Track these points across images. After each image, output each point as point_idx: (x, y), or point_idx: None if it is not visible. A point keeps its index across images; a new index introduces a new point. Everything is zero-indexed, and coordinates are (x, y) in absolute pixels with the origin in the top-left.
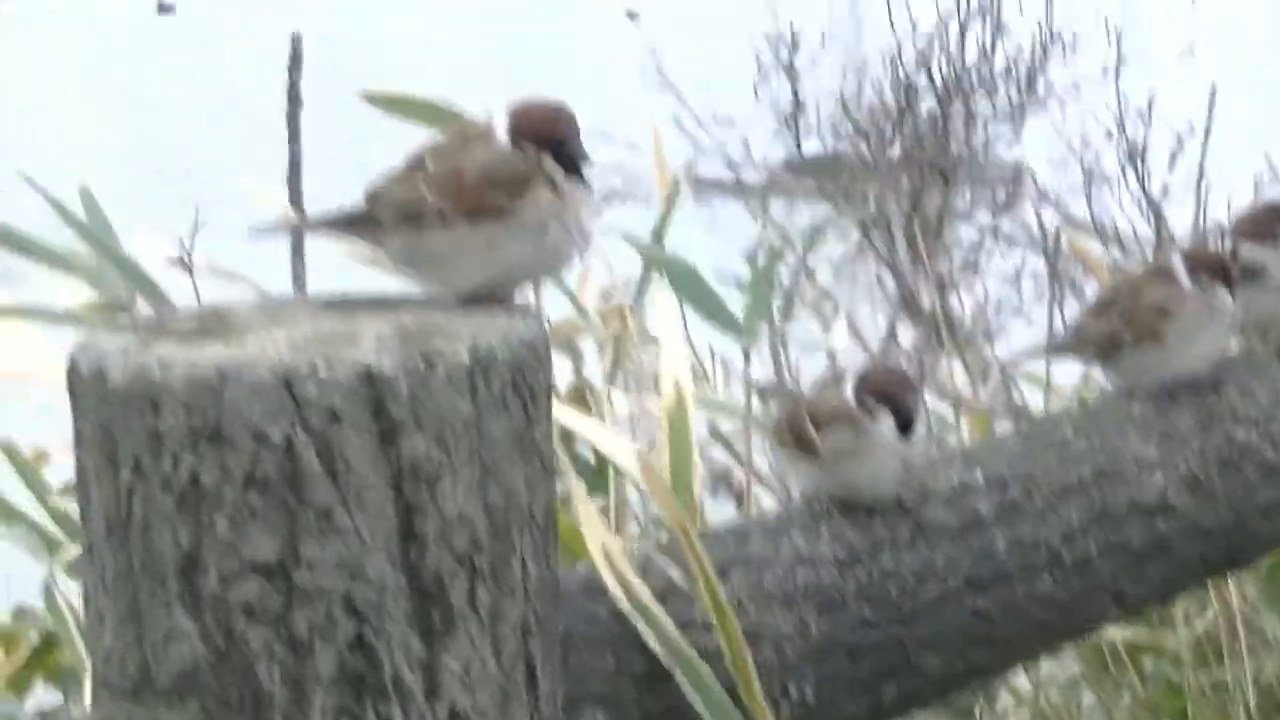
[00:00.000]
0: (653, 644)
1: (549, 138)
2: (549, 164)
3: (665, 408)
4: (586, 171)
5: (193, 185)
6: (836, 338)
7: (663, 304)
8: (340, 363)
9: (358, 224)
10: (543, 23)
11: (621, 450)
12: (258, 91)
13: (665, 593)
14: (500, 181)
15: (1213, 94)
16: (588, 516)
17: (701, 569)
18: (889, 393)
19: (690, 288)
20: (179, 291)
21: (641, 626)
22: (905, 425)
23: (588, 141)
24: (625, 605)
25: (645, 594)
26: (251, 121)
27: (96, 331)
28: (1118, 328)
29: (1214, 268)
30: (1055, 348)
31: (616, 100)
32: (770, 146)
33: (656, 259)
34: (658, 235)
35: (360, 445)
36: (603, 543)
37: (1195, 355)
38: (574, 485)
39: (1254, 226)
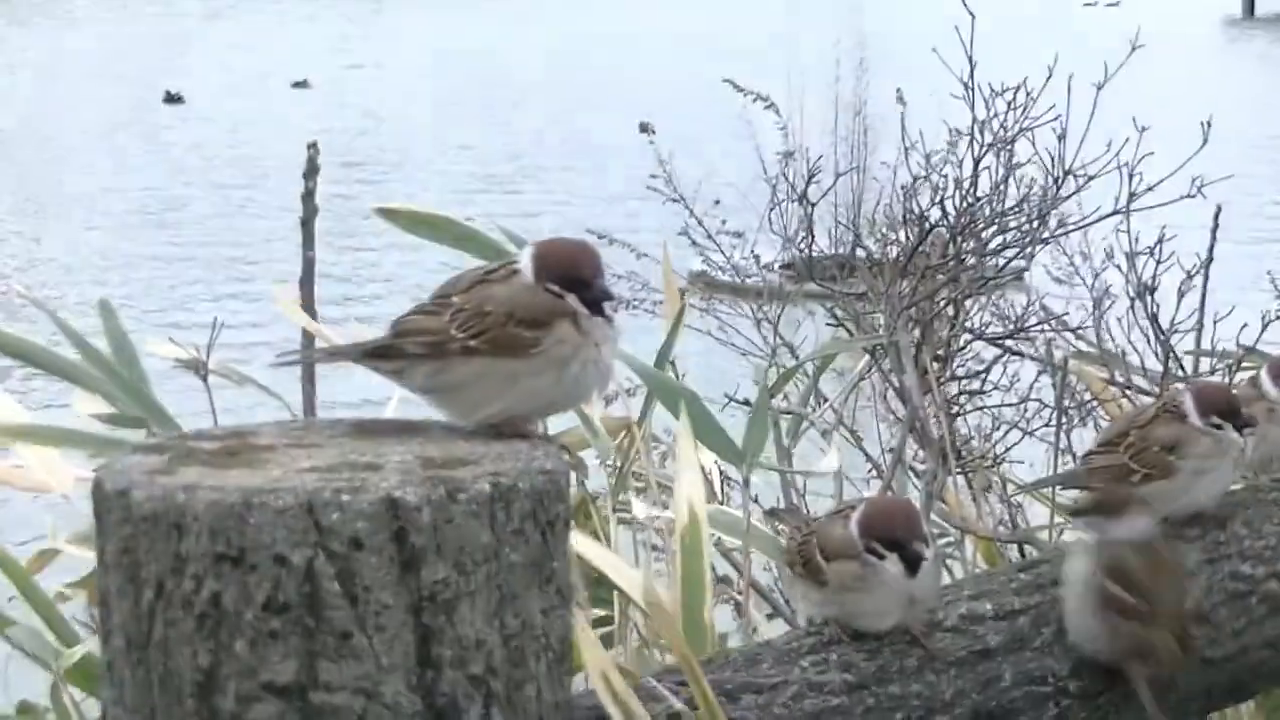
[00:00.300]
0: None
1: (573, 278)
2: (573, 302)
3: (679, 530)
4: (609, 309)
5: (208, 283)
6: (841, 460)
7: (681, 427)
8: (364, 491)
9: (383, 356)
10: (558, 133)
11: (628, 577)
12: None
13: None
14: (524, 319)
15: (1215, 226)
16: (589, 641)
17: (705, 700)
18: (894, 536)
19: (691, 414)
20: (193, 393)
21: None
22: (911, 567)
23: (607, 271)
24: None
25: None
26: (267, 217)
27: (122, 451)
28: (1126, 463)
29: (1223, 407)
30: (1064, 480)
31: (627, 210)
32: (780, 257)
33: (659, 385)
34: (662, 358)
35: (380, 571)
36: (603, 670)
37: (1202, 492)
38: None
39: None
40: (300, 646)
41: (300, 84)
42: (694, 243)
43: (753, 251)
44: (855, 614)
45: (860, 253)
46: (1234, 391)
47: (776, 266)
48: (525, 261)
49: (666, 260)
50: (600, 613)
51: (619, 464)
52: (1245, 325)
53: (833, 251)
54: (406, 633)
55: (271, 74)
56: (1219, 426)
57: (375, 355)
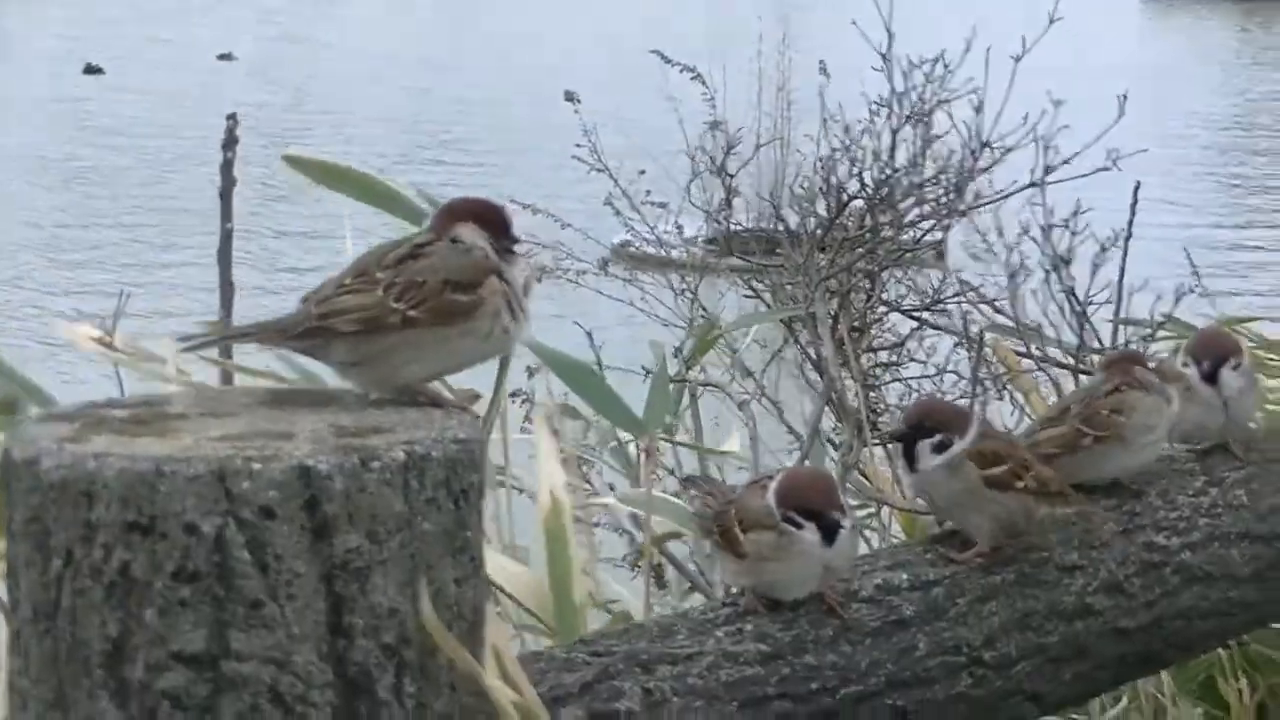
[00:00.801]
0: None
1: (487, 221)
2: (489, 252)
3: (543, 517)
4: (519, 250)
5: (120, 263)
6: (735, 438)
7: (539, 414)
8: (276, 459)
9: (310, 336)
10: (482, 104)
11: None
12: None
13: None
14: (458, 284)
15: (1135, 200)
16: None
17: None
18: (811, 505)
19: (590, 389)
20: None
21: None
22: (828, 536)
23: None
24: (512, 713)
25: (535, 701)
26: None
27: (32, 420)
28: (1078, 428)
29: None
30: None
31: (550, 181)
32: (703, 227)
33: (555, 361)
34: None
35: (292, 540)
36: (494, 644)
37: (1150, 449)
38: None
39: (1195, 347)
40: (210, 615)
41: (225, 56)
42: (618, 213)
43: (676, 223)
44: (772, 584)
45: (780, 226)
46: (1158, 365)
47: (701, 241)
48: (437, 216)
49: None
50: None
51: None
52: (1159, 297)
53: (755, 226)
54: (318, 601)
55: (196, 47)
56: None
57: (297, 337)
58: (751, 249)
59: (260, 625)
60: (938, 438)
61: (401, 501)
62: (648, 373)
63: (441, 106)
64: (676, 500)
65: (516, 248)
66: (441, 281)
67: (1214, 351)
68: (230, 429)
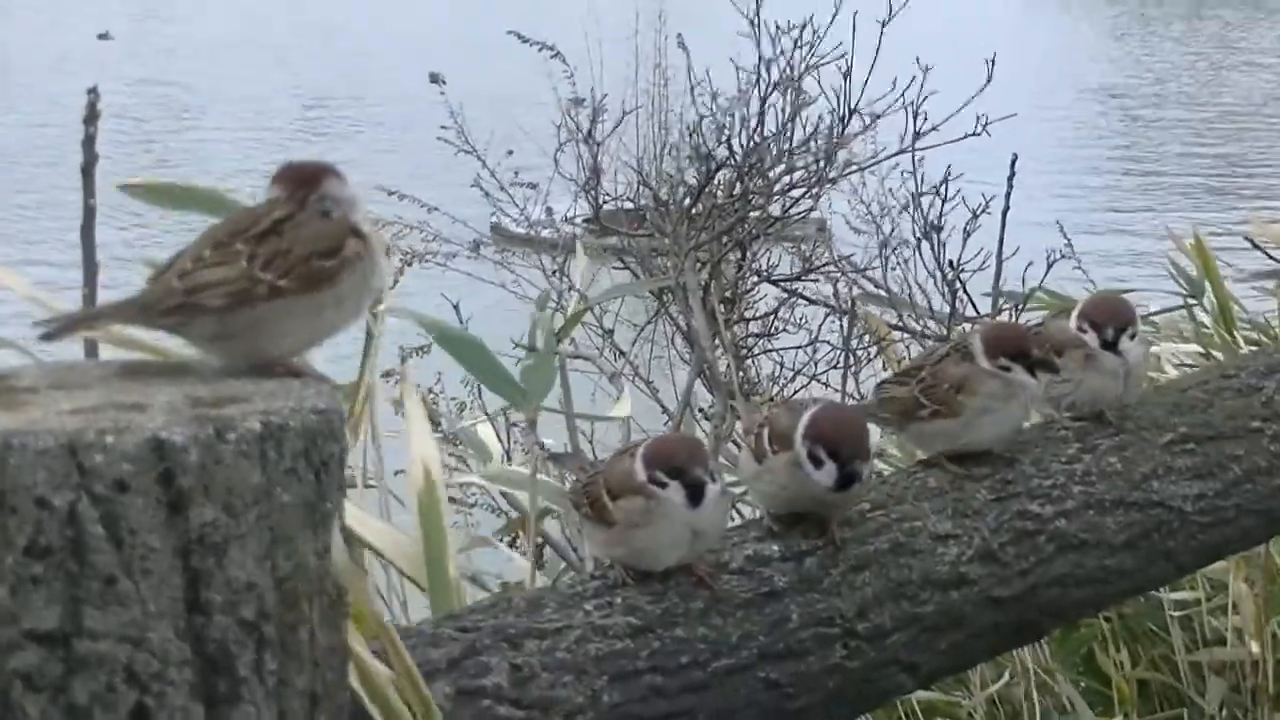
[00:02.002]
0: None
1: (307, 179)
2: (350, 215)
3: (415, 491)
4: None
5: None
6: (625, 402)
7: (406, 386)
8: (129, 431)
9: (175, 313)
10: (348, 85)
11: (374, 529)
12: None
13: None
14: (322, 251)
15: (1012, 169)
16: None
17: (404, 667)
18: (677, 464)
19: (475, 361)
20: None
21: (374, 712)
22: (694, 496)
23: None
24: (363, 696)
25: (384, 680)
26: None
27: None
28: (916, 397)
29: (1012, 349)
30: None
31: (417, 162)
32: (574, 205)
33: (441, 333)
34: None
35: (147, 514)
36: None
37: (986, 431)
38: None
39: (1094, 313)
40: (63, 592)
41: (103, 36)
42: (486, 194)
43: (546, 204)
44: (641, 551)
45: (649, 197)
46: (1030, 332)
47: (579, 220)
48: (335, 190)
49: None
50: None
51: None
52: (1030, 263)
53: (628, 202)
54: (174, 577)
55: (75, 26)
56: (1007, 368)
57: (161, 314)
58: (624, 226)
59: (115, 602)
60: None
61: (259, 473)
62: (516, 345)
63: (309, 87)
64: (546, 478)
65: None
66: (307, 250)
67: (1116, 318)
68: (82, 402)
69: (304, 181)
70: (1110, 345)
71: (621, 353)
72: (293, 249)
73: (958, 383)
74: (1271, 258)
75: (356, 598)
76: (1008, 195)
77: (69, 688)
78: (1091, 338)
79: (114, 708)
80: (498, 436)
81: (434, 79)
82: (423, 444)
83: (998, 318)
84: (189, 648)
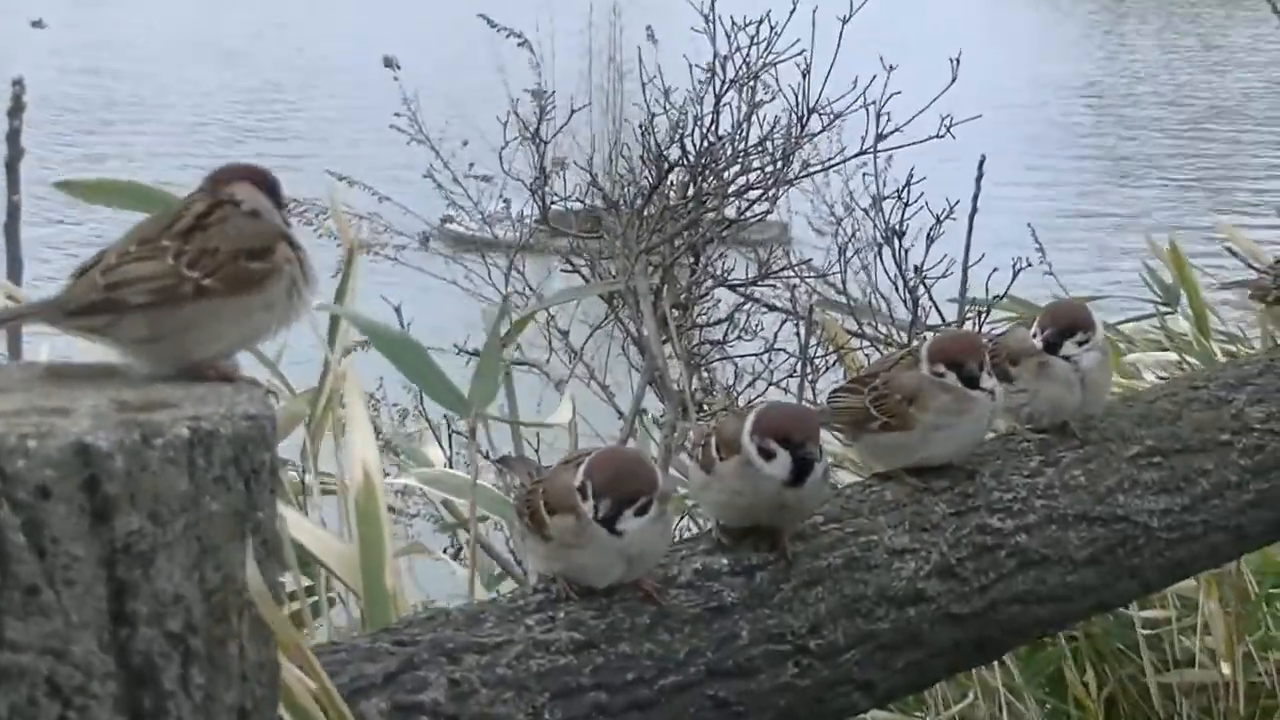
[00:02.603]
0: None
1: (266, 190)
2: (279, 220)
3: (355, 495)
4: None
5: None
6: (565, 408)
7: (349, 387)
8: (52, 436)
9: (93, 311)
10: (298, 70)
11: (317, 538)
12: None
13: None
14: (251, 251)
15: (980, 172)
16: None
17: (324, 688)
18: (596, 486)
19: (413, 365)
20: None
21: None
22: (608, 521)
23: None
24: (285, 714)
25: (305, 696)
26: None
27: None
28: (867, 407)
29: (950, 359)
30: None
31: (369, 153)
32: (527, 204)
33: (378, 335)
34: (339, 296)
35: (70, 522)
36: None
37: (939, 447)
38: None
39: (1044, 319)
40: None
41: (37, 24)
42: (439, 185)
43: (502, 196)
44: (580, 569)
45: (599, 197)
46: (983, 341)
47: (531, 221)
48: (246, 193)
49: (336, 208)
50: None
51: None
52: (996, 269)
53: (580, 203)
54: (99, 587)
55: (8, 12)
56: (941, 374)
57: (83, 313)
58: (574, 227)
59: (37, 613)
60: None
61: (187, 480)
62: (459, 351)
63: (255, 73)
64: (486, 485)
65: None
66: (234, 249)
67: (1061, 323)
68: (4, 405)
69: (218, 178)
70: (1052, 349)
71: (576, 353)
72: (220, 247)
73: (910, 394)
74: (1251, 265)
75: (269, 618)
76: (975, 198)
77: None
78: (1038, 340)
79: None
80: (440, 443)
81: (388, 63)
82: (364, 446)
83: (962, 325)
84: (113, 660)
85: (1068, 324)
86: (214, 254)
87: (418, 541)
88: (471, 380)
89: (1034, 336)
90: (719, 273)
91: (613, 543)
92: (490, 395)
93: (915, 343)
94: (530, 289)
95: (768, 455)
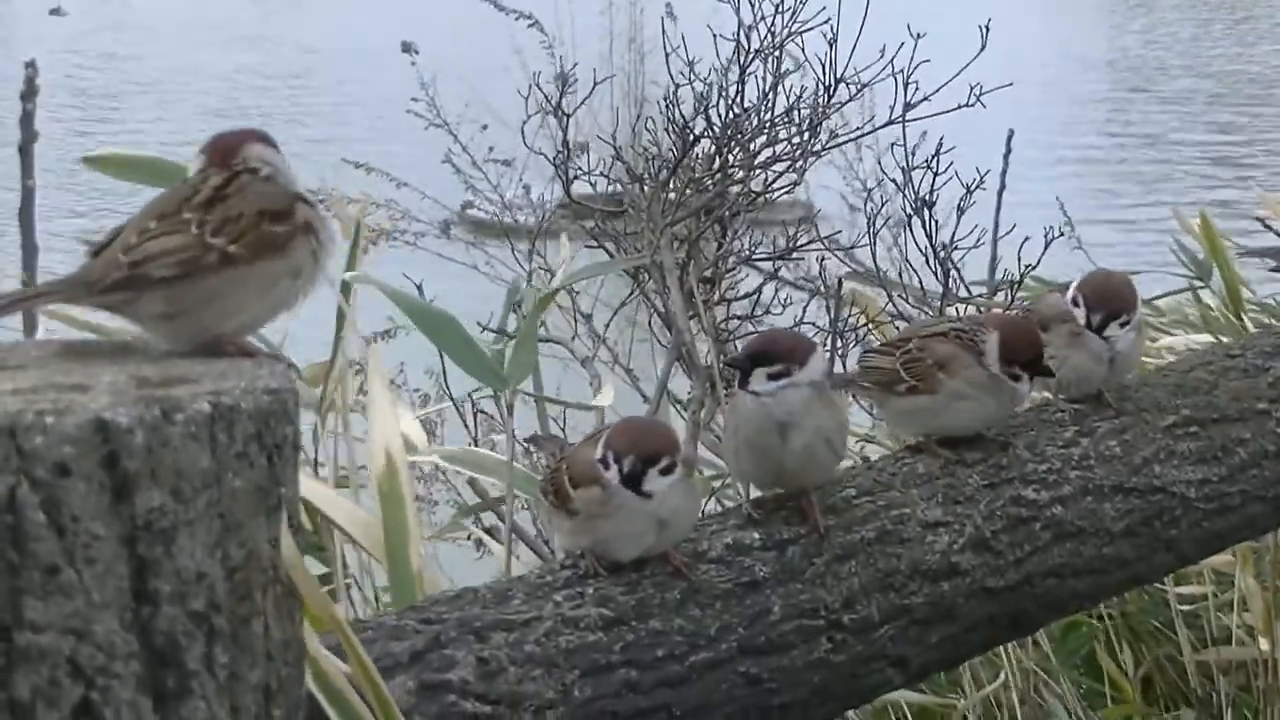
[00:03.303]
0: None
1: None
2: (293, 181)
3: (376, 477)
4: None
5: None
6: (608, 391)
7: (372, 367)
8: (70, 412)
9: (120, 289)
10: (318, 56)
11: (342, 509)
12: None
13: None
14: (273, 214)
15: (1008, 146)
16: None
17: (363, 669)
18: (621, 449)
19: (450, 339)
20: None
21: (331, 713)
22: (629, 482)
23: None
24: (315, 689)
25: (339, 678)
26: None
27: None
28: (897, 369)
29: (1027, 361)
30: (838, 381)
31: (388, 136)
32: (549, 188)
33: (415, 309)
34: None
35: (90, 500)
36: None
37: (963, 417)
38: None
39: (1090, 295)
40: (3, 583)
41: (56, 11)
42: (457, 170)
43: (522, 182)
44: (606, 542)
45: (625, 172)
46: (1035, 318)
47: (553, 204)
48: (256, 158)
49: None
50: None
51: (322, 405)
52: (1028, 238)
53: (605, 180)
54: (120, 566)
55: (28, 0)
56: (1017, 378)
57: (110, 290)
58: (597, 209)
59: (57, 592)
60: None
61: (208, 457)
62: (483, 328)
63: (270, 60)
64: (517, 465)
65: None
66: (256, 212)
67: (1109, 306)
68: (21, 382)
69: (227, 148)
70: (1097, 330)
71: (600, 338)
72: (243, 213)
73: (942, 360)
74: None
75: (305, 592)
76: (1003, 173)
77: (10, 682)
78: (1080, 314)
79: (58, 703)
80: (464, 423)
81: (406, 48)
82: (386, 427)
83: (993, 299)
84: (136, 640)
85: (1116, 308)
86: (237, 220)
87: (455, 520)
88: (510, 355)
89: (1075, 306)
90: (745, 249)
91: (641, 507)
92: (528, 369)
93: (957, 316)
94: (552, 272)
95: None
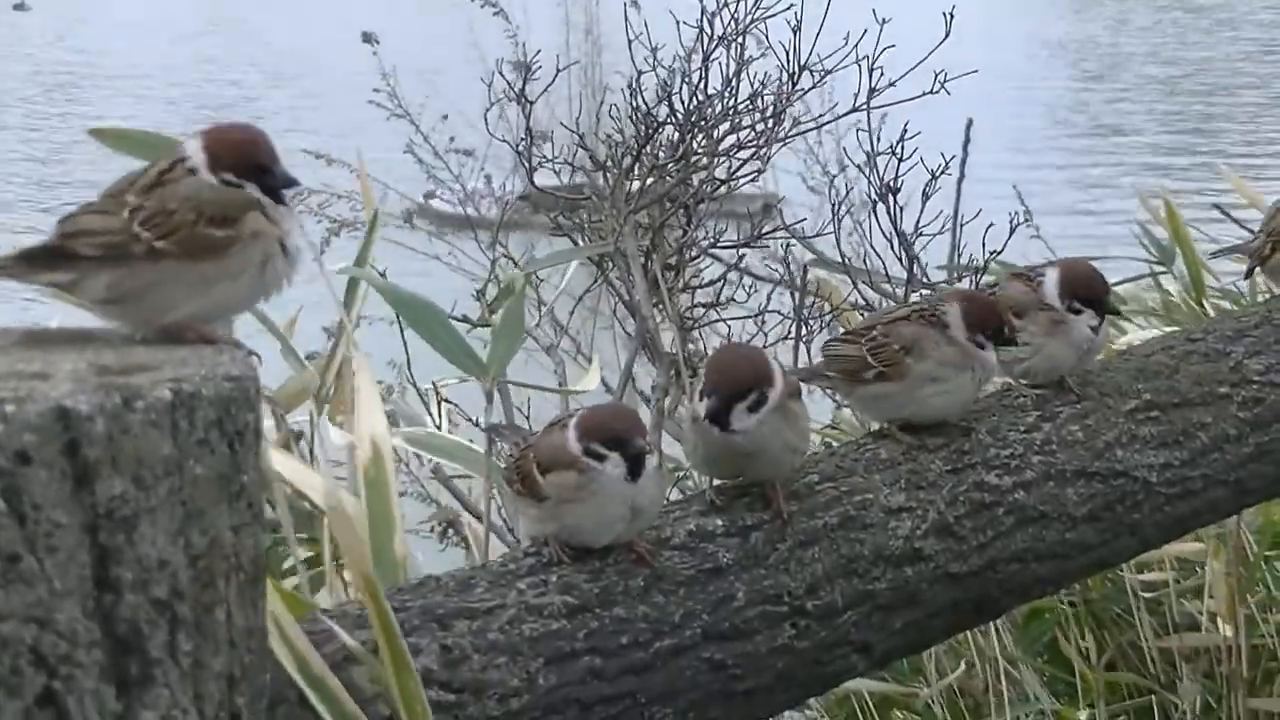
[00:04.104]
0: (325, 717)
1: (252, 165)
2: (254, 191)
3: (362, 465)
4: (289, 195)
5: None
6: (594, 374)
7: (358, 357)
8: (31, 400)
9: (46, 259)
10: (274, 46)
11: (324, 490)
12: None
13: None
14: (213, 218)
15: (968, 134)
16: None
17: (386, 629)
18: (615, 435)
19: (430, 327)
20: None
21: (314, 698)
22: (634, 468)
23: (289, 163)
24: (297, 677)
25: (320, 664)
26: None
27: None
28: (864, 356)
29: (993, 328)
30: (804, 373)
31: (350, 127)
32: (510, 179)
33: (395, 296)
34: (360, 261)
35: (51, 487)
36: (272, 611)
37: (933, 402)
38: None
39: (1080, 288)
40: None
41: (19, 6)
42: (420, 161)
43: (483, 171)
44: (575, 528)
45: (589, 159)
46: (1003, 297)
47: (514, 197)
48: (194, 153)
49: (363, 168)
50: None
51: (320, 395)
52: (992, 224)
53: (568, 166)
54: (82, 554)
55: None
56: (982, 346)
57: (40, 258)
58: (559, 200)
59: (19, 581)
60: (751, 396)
61: (170, 444)
62: (451, 317)
63: (233, 50)
64: (470, 445)
65: (288, 192)
66: (194, 212)
67: (1096, 291)
68: None
69: (212, 148)
70: (1094, 328)
71: (562, 327)
72: (177, 209)
73: (908, 344)
74: (1245, 226)
75: (344, 545)
76: (963, 162)
77: None
78: (1088, 317)
79: (20, 692)
80: (429, 412)
81: (367, 38)
82: (371, 417)
83: (957, 284)
84: (98, 628)
85: (1102, 293)
86: (169, 215)
87: (448, 507)
88: (490, 342)
89: (1065, 302)
90: (707, 237)
91: (624, 493)
92: (508, 358)
93: (919, 299)
94: (515, 262)
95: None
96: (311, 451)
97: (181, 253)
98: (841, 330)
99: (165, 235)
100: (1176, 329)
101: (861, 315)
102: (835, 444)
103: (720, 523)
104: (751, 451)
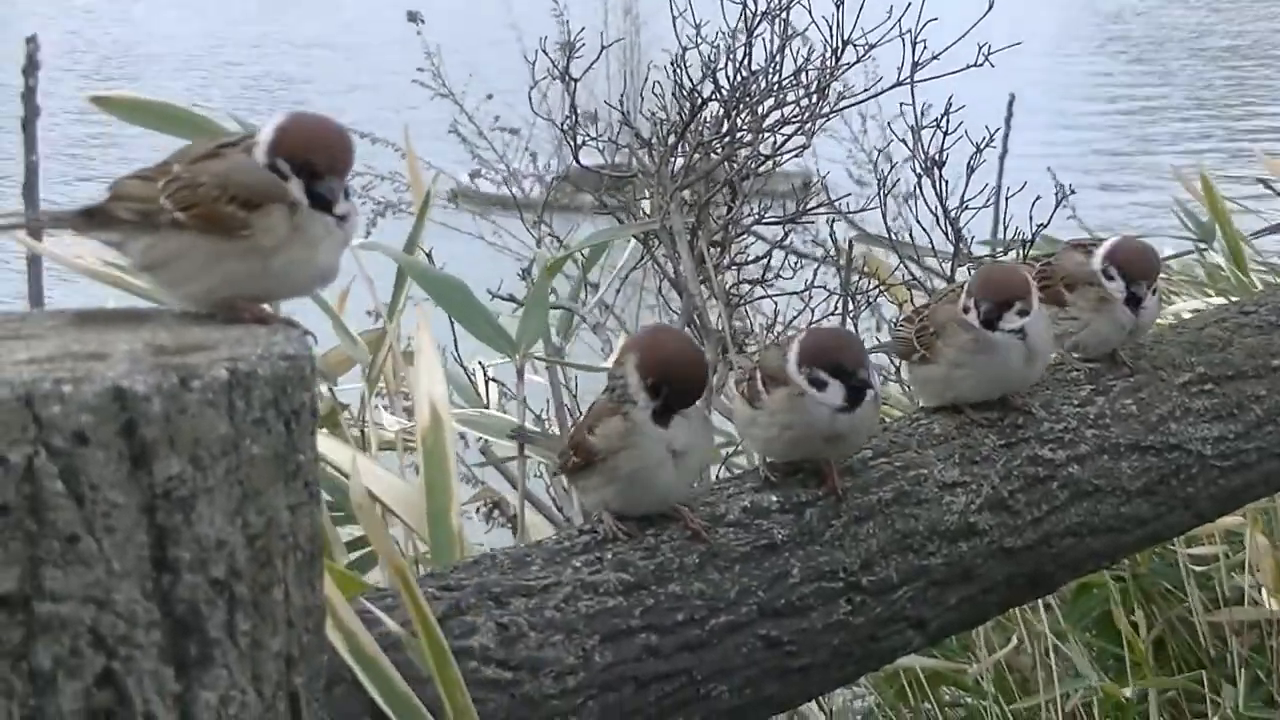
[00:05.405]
0: (376, 697)
1: (305, 162)
2: (295, 189)
3: (421, 431)
4: (339, 209)
5: None
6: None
7: (419, 323)
8: (88, 381)
9: (95, 219)
10: (321, 23)
11: (375, 475)
12: None
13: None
14: (238, 198)
15: (1010, 110)
16: None
17: (420, 616)
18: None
19: (459, 305)
20: None
21: (364, 678)
22: (663, 413)
23: (350, 168)
24: (348, 658)
25: (371, 645)
26: None
27: None
28: (912, 339)
29: (998, 302)
30: (877, 349)
31: (393, 106)
32: (553, 158)
33: (424, 276)
34: (411, 244)
35: (109, 468)
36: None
37: (965, 384)
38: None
39: (1125, 264)
40: (22, 553)
41: None
42: (464, 140)
43: (528, 149)
44: (630, 476)
45: (634, 136)
46: (1022, 278)
47: (552, 179)
48: (266, 131)
49: (410, 150)
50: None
51: (370, 372)
52: (1039, 198)
53: (613, 145)
54: (140, 534)
55: None
56: (991, 326)
57: (90, 216)
58: (603, 181)
59: (77, 562)
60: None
61: (226, 423)
62: (493, 295)
63: (273, 27)
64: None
65: (336, 207)
66: (220, 188)
67: (1148, 274)
68: (37, 351)
69: (282, 130)
70: (1136, 301)
71: (607, 305)
72: (205, 184)
73: (940, 327)
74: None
75: (372, 537)
76: (1005, 138)
77: (31, 653)
78: (1117, 286)
79: (79, 673)
80: (476, 392)
81: (412, 17)
82: (431, 382)
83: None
84: (157, 609)
85: (1153, 275)
86: (197, 188)
87: (488, 486)
88: (519, 320)
89: (1106, 274)
90: (752, 214)
91: (661, 437)
92: (537, 334)
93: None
94: (551, 230)
95: (819, 385)
96: (363, 432)
97: (197, 227)
98: (900, 313)
99: (186, 208)
100: (1225, 301)
101: (908, 290)
102: (888, 420)
103: (775, 499)
104: (844, 433)
